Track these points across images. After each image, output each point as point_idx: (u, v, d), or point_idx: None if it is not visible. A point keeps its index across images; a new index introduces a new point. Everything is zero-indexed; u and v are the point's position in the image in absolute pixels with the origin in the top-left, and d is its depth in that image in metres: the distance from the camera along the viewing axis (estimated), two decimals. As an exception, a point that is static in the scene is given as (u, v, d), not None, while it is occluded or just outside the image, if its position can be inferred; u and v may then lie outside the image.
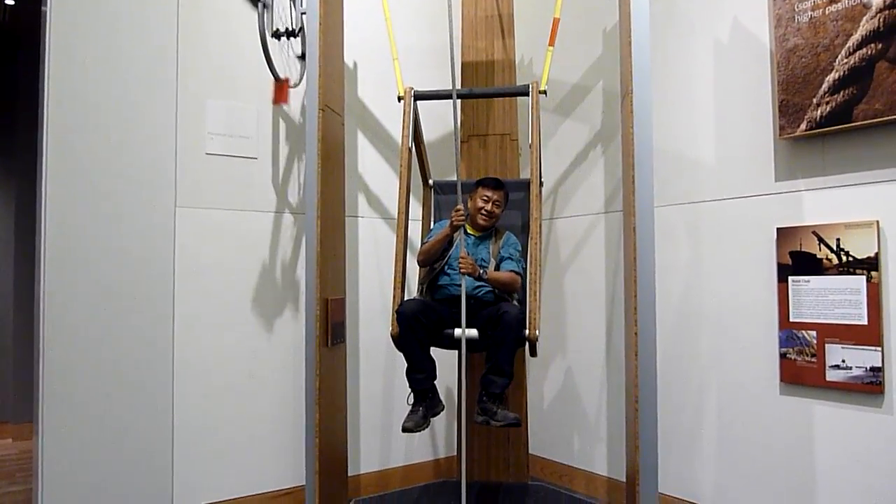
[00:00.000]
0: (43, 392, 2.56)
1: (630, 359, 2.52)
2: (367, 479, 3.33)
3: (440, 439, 3.61)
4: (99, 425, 2.65)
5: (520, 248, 2.88)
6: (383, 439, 3.39)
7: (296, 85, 3.13)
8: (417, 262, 2.91)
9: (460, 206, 2.58)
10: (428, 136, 3.46)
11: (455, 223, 2.61)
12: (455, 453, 3.60)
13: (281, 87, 3.08)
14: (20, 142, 4.63)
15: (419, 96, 2.98)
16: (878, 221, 2.28)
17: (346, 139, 3.17)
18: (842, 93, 2.33)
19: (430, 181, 3.28)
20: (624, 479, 3.01)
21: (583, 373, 3.41)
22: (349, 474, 3.16)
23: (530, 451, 3.58)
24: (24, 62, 4.67)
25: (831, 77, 2.35)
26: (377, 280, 3.41)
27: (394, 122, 3.34)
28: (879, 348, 2.27)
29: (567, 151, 3.53)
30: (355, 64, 3.41)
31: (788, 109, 2.47)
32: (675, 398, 2.90)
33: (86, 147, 2.67)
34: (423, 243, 2.91)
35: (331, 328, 2.78)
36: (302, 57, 3.12)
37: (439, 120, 3.52)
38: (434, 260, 2.82)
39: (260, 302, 3.07)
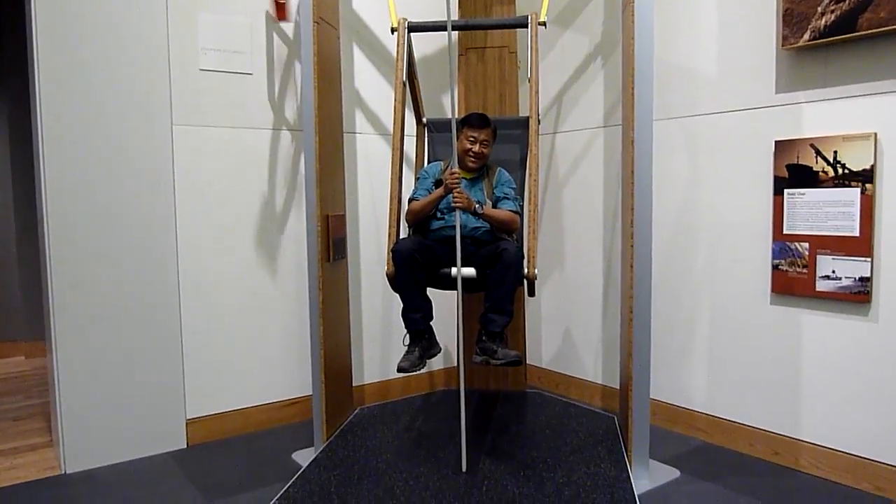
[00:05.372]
0: (54, 311, 2.63)
1: (626, 269, 2.59)
2: (370, 389, 3.47)
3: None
4: (110, 341, 2.74)
5: (514, 186, 2.81)
6: (383, 351, 3.51)
7: (289, -4, 3.05)
8: (406, 220, 2.78)
9: (456, 170, 2.47)
10: (425, 49, 3.40)
11: (450, 186, 2.49)
12: (452, 365, 3.73)
13: (282, 6, 3.03)
14: (8, 65, 4.52)
15: (413, 28, 2.84)
16: (875, 133, 2.29)
17: (341, 53, 3.11)
18: (847, 1, 2.28)
19: (424, 119, 3.18)
20: (618, 386, 3.14)
21: (580, 286, 3.49)
22: (353, 384, 3.29)
23: (528, 362, 3.71)
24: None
25: (838, -16, 2.30)
26: (377, 196, 3.43)
27: (390, 36, 3.26)
28: (869, 259, 2.33)
29: (566, 64, 3.48)
30: (349, -26, 3.31)
31: (793, 18, 2.43)
32: (668, 308, 2.99)
33: (78, 67, 2.62)
34: (411, 199, 2.78)
35: (332, 244, 2.82)
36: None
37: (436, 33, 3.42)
38: (423, 220, 2.75)
39: (262, 219, 3.10)
